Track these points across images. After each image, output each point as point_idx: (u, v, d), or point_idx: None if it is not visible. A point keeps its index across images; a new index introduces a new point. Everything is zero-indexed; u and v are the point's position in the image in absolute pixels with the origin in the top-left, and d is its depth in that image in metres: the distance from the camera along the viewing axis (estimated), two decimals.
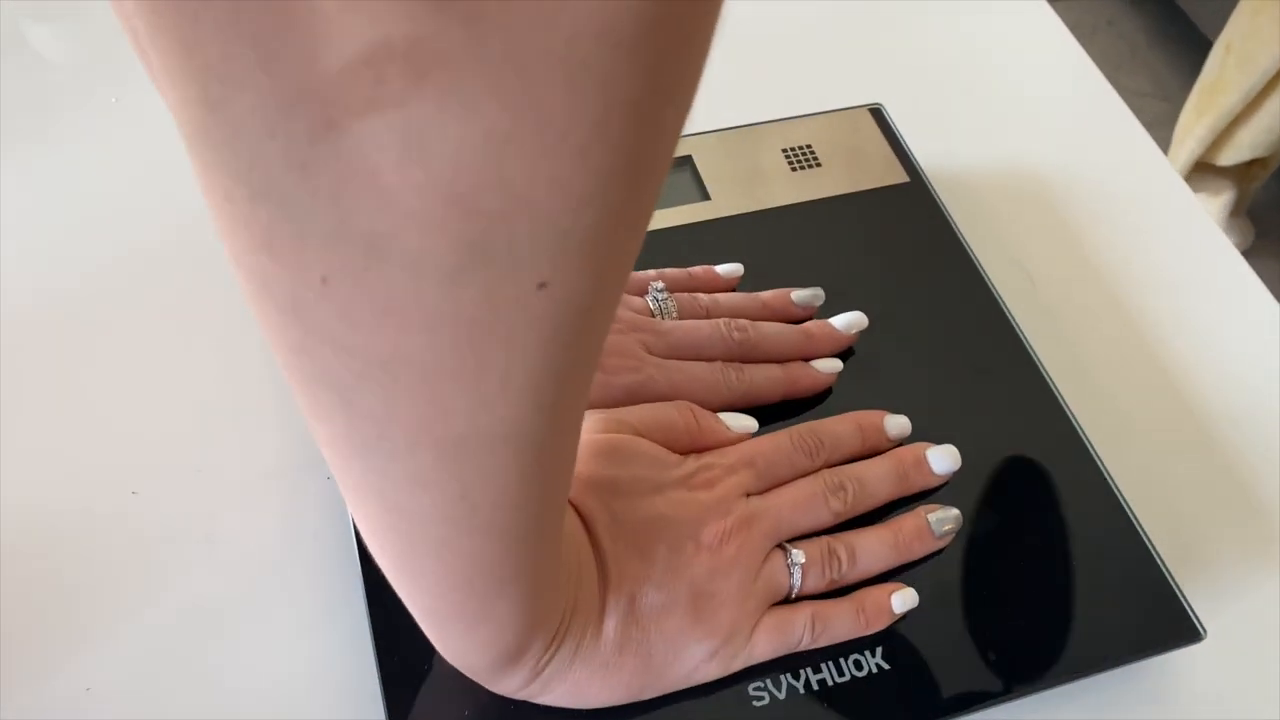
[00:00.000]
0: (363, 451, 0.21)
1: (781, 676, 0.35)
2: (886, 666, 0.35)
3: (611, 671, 0.32)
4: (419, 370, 0.19)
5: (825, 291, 0.44)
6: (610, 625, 0.32)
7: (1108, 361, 0.47)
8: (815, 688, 0.35)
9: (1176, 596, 0.37)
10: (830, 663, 0.35)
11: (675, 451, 0.36)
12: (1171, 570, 0.38)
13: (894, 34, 0.61)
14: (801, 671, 0.35)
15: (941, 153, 0.54)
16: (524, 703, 0.33)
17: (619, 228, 0.18)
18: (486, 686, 0.31)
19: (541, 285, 0.18)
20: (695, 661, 0.33)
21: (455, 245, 0.16)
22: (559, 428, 0.22)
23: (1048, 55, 0.60)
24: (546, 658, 0.31)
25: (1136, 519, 0.39)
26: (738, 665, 0.34)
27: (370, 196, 0.16)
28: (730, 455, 0.36)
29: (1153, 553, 0.38)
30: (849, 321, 0.42)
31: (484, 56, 0.14)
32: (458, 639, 0.28)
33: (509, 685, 0.31)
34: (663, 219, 0.46)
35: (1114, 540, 0.38)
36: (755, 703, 0.34)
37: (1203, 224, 0.53)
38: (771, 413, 0.40)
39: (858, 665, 0.35)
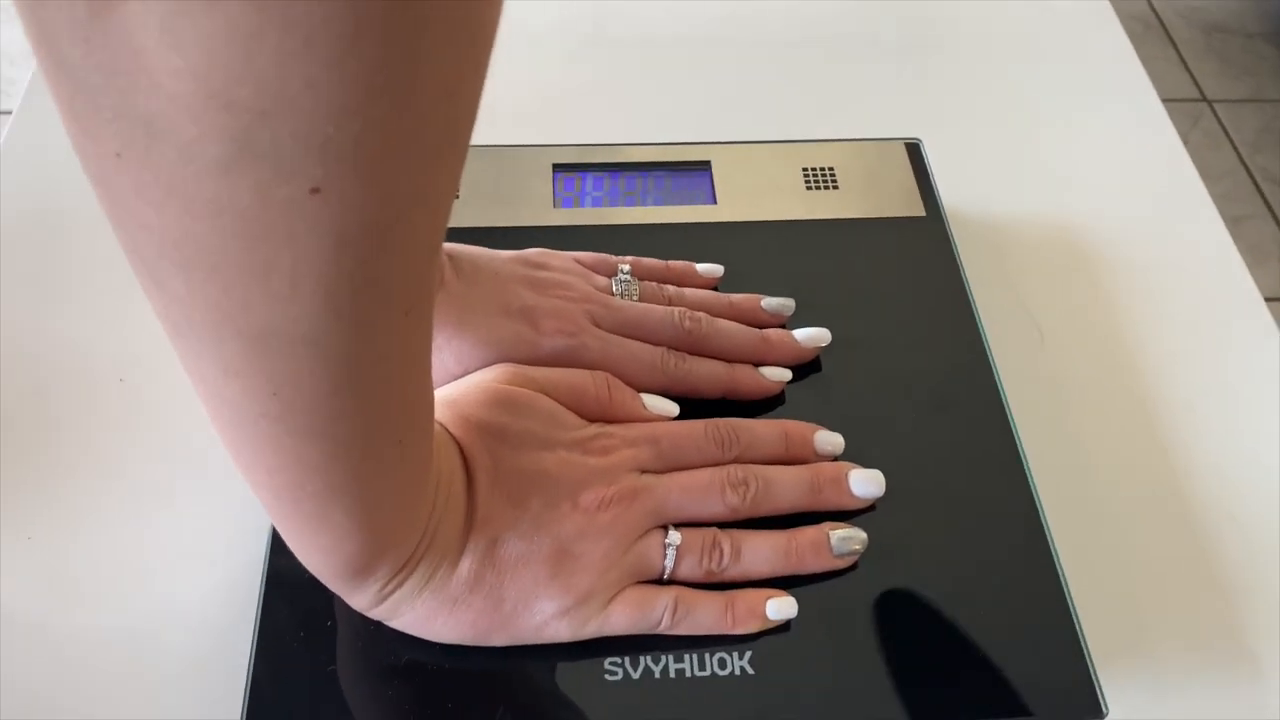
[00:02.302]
0: (181, 332, 0.23)
1: (641, 657, 0.35)
2: (750, 671, 0.34)
3: (460, 609, 0.32)
4: (210, 258, 0.20)
5: (807, 308, 0.44)
6: (466, 564, 0.32)
7: (1093, 431, 0.44)
8: (671, 675, 0.34)
9: (1086, 668, 0.35)
10: (694, 655, 0.35)
11: (582, 417, 0.37)
12: (1090, 643, 0.35)
13: (961, 74, 0.60)
14: (663, 657, 0.35)
15: (977, 196, 0.52)
16: (382, 625, 0.34)
17: (396, 148, 0.19)
18: (343, 599, 0.33)
19: (314, 190, 0.19)
20: (545, 617, 0.33)
21: (222, 136, 0.18)
22: (373, 345, 0.24)
23: (1131, 124, 0.58)
24: (395, 582, 0.31)
25: (1066, 584, 0.37)
26: (589, 631, 0.33)
27: (141, 77, 0.17)
28: (635, 429, 0.36)
29: (1074, 621, 0.36)
30: (811, 335, 0.42)
31: None
32: (301, 541, 0.29)
33: (359, 601, 0.32)
34: (662, 215, 0.47)
35: (1036, 601, 0.36)
36: (608, 676, 0.34)
37: (1260, 327, 0.49)
38: (712, 412, 0.40)
39: (721, 664, 0.35)
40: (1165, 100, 0.59)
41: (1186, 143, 0.57)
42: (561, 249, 0.44)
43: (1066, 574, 0.37)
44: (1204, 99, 1.66)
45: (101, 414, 0.43)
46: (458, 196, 0.47)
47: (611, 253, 0.44)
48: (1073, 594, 0.37)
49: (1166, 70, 1.69)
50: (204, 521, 0.40)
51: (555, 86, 0.58)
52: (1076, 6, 0.64)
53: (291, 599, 0.35)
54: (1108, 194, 0.54)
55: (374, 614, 0.33)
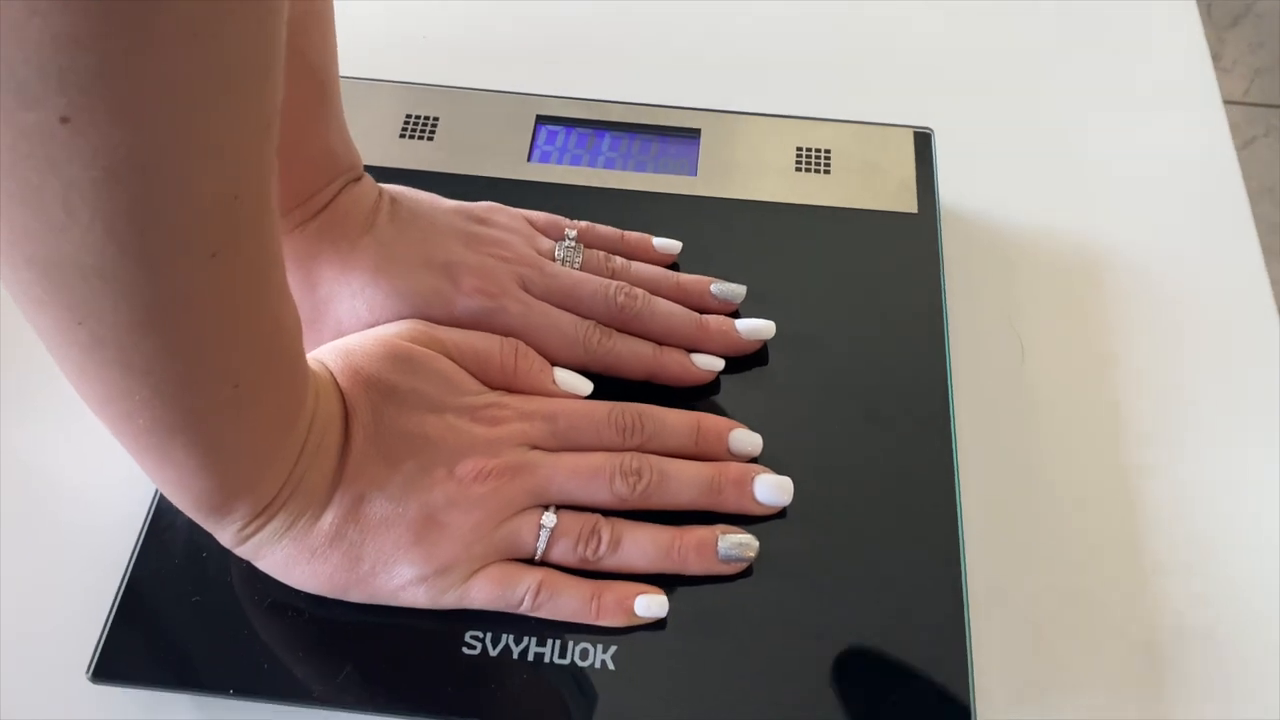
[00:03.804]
0: None
1: (504, 635, 0.34)
2: (612, 667, 0.33)
3: (318, 560, 0.32)
4: None
5: (767, 297, 0.42)
6: (329, 516, 0.32)
7: (1051, 466, 0.41)
8: (530, 658, 0.33)
9: (968, 700, 0.33)
10: (558, 641, 0.34)
11: (485, 384, 0.35)
12: (983, 683, 0.33)
13: (991, 63, 0.55)
14: (525, 638, 0.34)
15: (986, 197, 0.49)
16: (251, 566, 0.34)
17: (145, 86, 0.19)
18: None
19: (64, 119, 0.19)
20: (403, 581, 0.32)
21: None
22: (174, 284, 0.23)
23: (1181, 130, 0.53)
24: (255, 525, 0.31)
25: (969, 622, 0.34)
26: (448, 601, 0.33)
27: None
28: (533, 403, 0.35)
29: (967, 660, 0.33)
30: (753, 327, 0.39)
31: None
32: (152, 474, 0.29)
33: (223, 537, 0.32)
34: (637, 182, 0.45)
35: (930, 635, 0.34)
36: (466, 649, 0.33)
37: (1273, 381, 0.44)
38: (633, 394, 0.38)
39: (583, 654, 0.34)
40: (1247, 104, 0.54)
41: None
42: (527, 206, 0.42)
43: (976, 611, 0.35)
44: None
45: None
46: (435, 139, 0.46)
47: (578, 216, 0.43)
48: (975, 632, 0.34)
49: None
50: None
51: (551, 37, 0.56)
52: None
53: (177, 526, 0.35)
54: (1134, 208, 0.49)
55: (238, 552, 0.33)
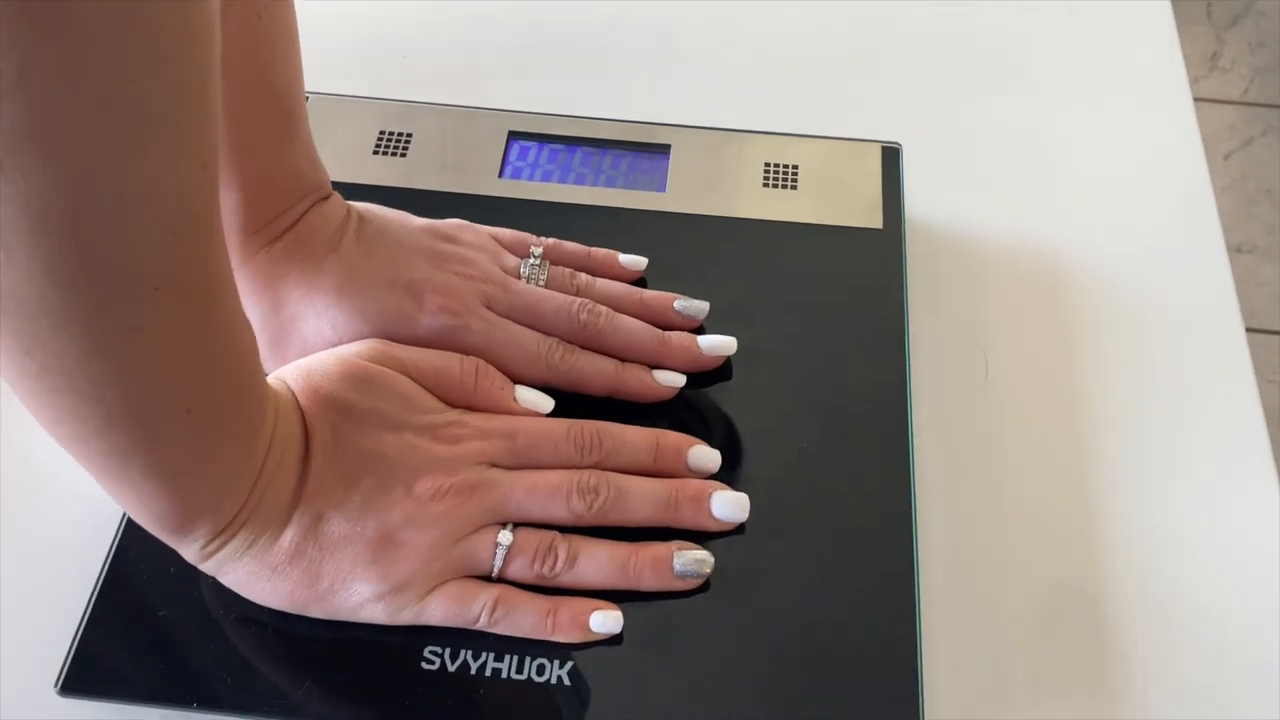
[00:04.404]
0: None
1: (462, 650, 0.34)
2: (567, 683, 0.34)
3: (278, 578, 0.33)
4: None
5: (731, 313, 0.42)
6: (288, 535, 0.33)
7: (1011, 482, 0.41)
8: (486, 673, 0.34)
9: (917, 693, 0.33)
10: (515, 656, 0.34)
11: (445, 402, 0.36)
12: (927, 678, 0.34)
13: (961, 75, 0.56)
14: (483, 653, 0.34)
15: (954, 210, 0.49)
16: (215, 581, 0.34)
17: (71, 131, 0.20)
18: None
19: None
20: (361, 599, 0.33)
21: None
22: (120, 317, 0.24)
23: (1150, 136, 0.53)
24: (217, 543, 0.32)
25: (920, 644, 0.35)
26: (406, 618, 0.33)
27: None
28: (492, 421, 0.36)
29: (918, 657, 0.34)
30: (714, 344, 0.40)
31: None
32: (112, 494, 0.30)
33: (186, 554, 0.33)
34: (607, 198, 0.46)
35: (881, 655, 0.34)
36: (424, 664, 0.34)
37: (1243, 391, 0.45)
38: (595, 410, 0.39)
39: (540, 670, 0.34)
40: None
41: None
42: (495, 223, 0.43)
43: (929, 627, 0.36)
44: None
45: None
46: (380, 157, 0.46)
47: (547, 232, 0.43)
48: (927, 647, 0.35)
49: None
50: None
51: (524, 58, 0.56)
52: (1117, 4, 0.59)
53: (147, 540, 0.36)
54: (1101, 216, 0.50)
55: (202, 568, 0.33)
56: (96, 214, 0.21)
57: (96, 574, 0.36)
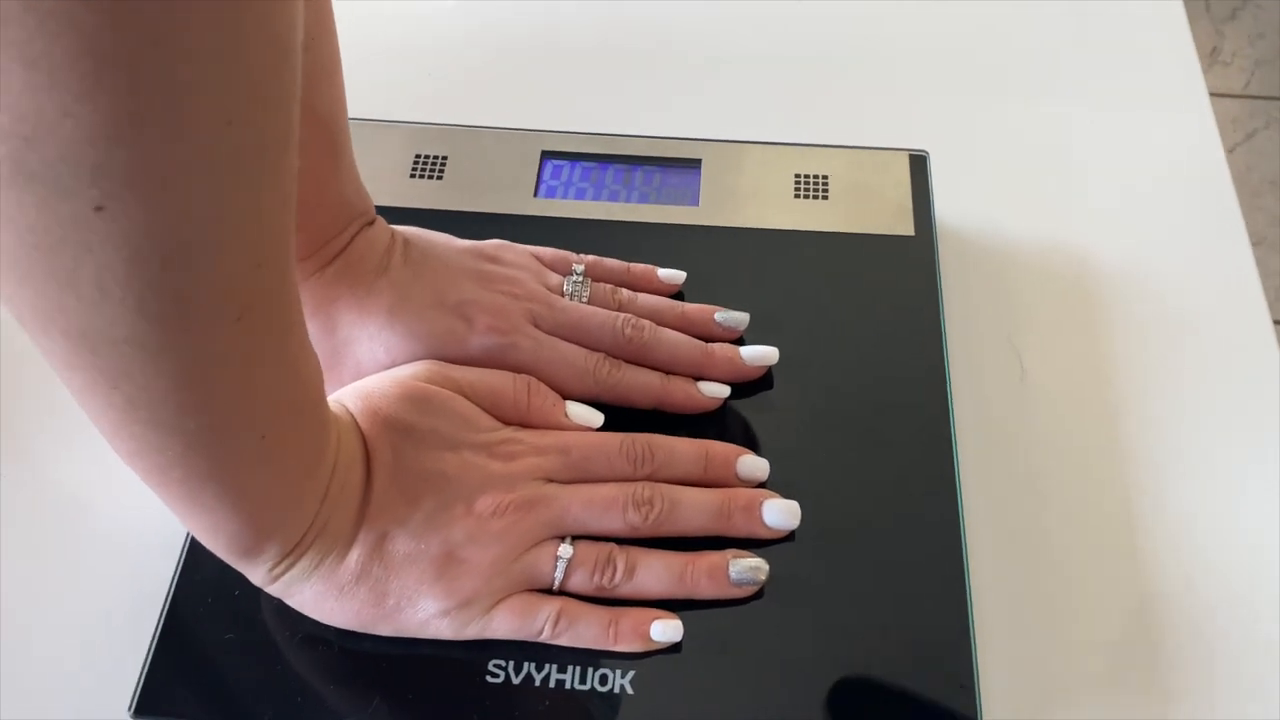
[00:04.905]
0: (25, 330, 0.24)
1: (525, 663, 0.35)
2: (630, 691, 0.35)
3: (345, 598, 0.34)
4: (18, 266, 0.22)
5: (770, 323, 0.43)
6: (354, 555, 0.33)
7: (1052, 483, 0.42)
8: (551, 685, 0.35)
9: (974, 700, 0.34)
10: (578, 667, 0.35)
11: (499, 420, 0.37)
12: (983, 682, 0.34)
13: (984, 83, 0.57)
14: (546, 665, 0.35)
15: (983, 216, 0.50)
16: (280, 601, 0.35)
17: (177, 172, 0.21)
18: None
19: (99, 208, 0.20)
20: (427, 615, 0.34)
21: (2, 161, 0.19)
22: (204, 348, 0.25)
23: (1167, 139, 0.54)
24: (285, 565, 0.33)
25: (974, 643, 0.35)
26: (470, 633, 0.34)
27: None
28: (547, 438, 0.37)
29: (974, 679, 0.35)
30: (757, 354, 0.41)
31: None
32: (184, 520, 0.31)
33: (254, 577, 0.33)
34: (641, 214, 0.46)
35: (937, 655, 0.35)
36: (489, 678, 0.35)
37: (1274, 381, 0.45)
38: (644, 423, 0.40)
39: (603, 680, 0.35)
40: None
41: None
42: (533, 241, 0.44)
43: (982, 630, 0.36)
44: None
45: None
46: (459, 177, 0.47)
47: (584, 249, 0.44)
48: (981, 652, 0.35)
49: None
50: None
51: (554, 73, 0.57)
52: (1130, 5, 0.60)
53: (210, 565, 0.37)
54: (1130, 226, 0.50)
55: (269, 591, 0.34)
56: (191, 250, 0.22)
57: (162, 599, 0.36)
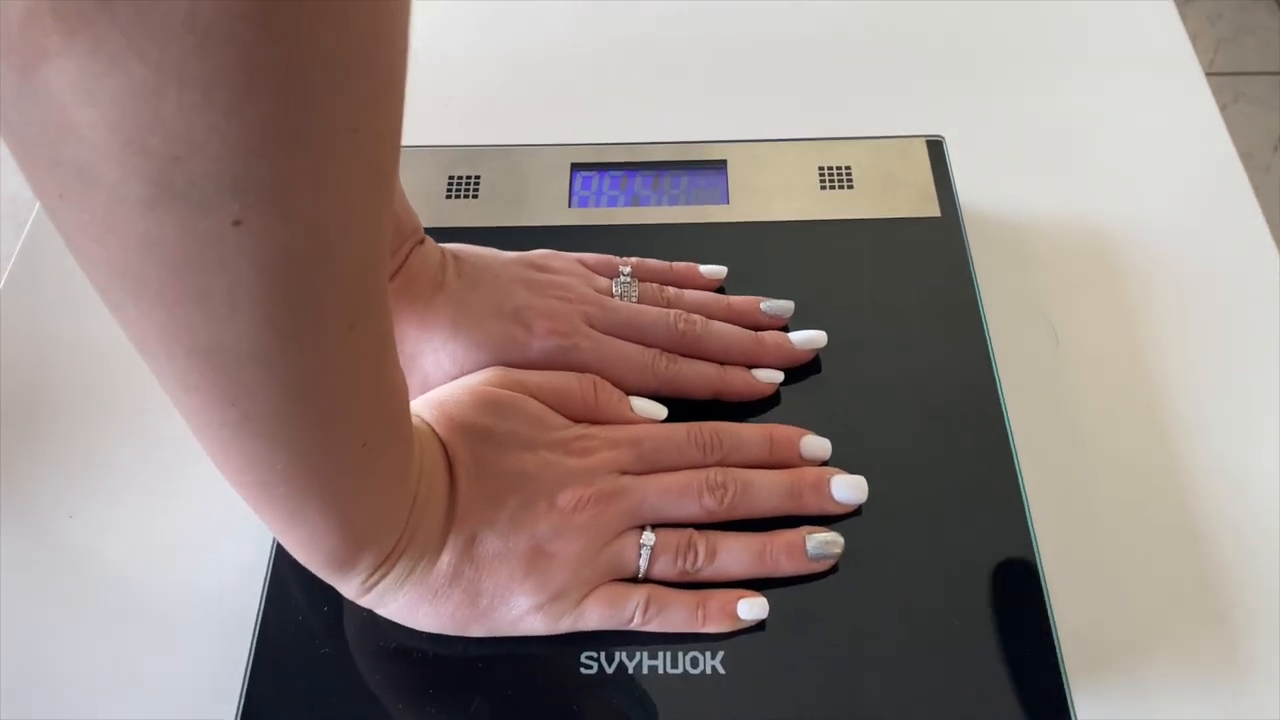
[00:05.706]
0: (141, 350, 0.25)
1: (617, 652, 0.36)
2: (722, 671, 0.35)
3: (440, 601, 0.34)
4: (150, 285, 0.22)
5: (813, 310, 0.44)
6: (446, 559, 0.34)
7: (1100, 444, 0.44)
8: (644, 671, 0.35)
9: (1061, 685, 0.35)
10: (668, 652, 0.36)
11: (569, 418, 0.38)
12: (1072, 660, 0.36)
13: (993, 68, 0.58)
14: (637, 653, 0.36)
15: (1002, 196, 0.52)
16: (371, 612, 0.36)
17: (310, 183, 0.21)
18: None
19: (237, 223, 0.21)
20: (520, 611, 0.35)
21: (143, 179, 0.20)
22: (320, 358, 0.25)
23: (1172, 116, 0.56)
24: (378, 575, 0.33)
25: (1049, 599, 0.36)
26: (564, 626, 0.35)
27: (67, 129, 0.19)
28: (617, 431, 0.38)
29: (1053, 637, 0.36)
30: (806, 338, 0.42)
31: (115, 19, 0.17)
32: (282, 535, 0.31)
33: (347, 590, 0.34)
34: (674, 215, 0.48)
35: (1016, 614, 0.36)
36: (583, 669, 0.36)
37: None
38: (703, 413, 0.41)
39: (694, 662, 0.36)
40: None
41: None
42: (572, 249, 0.45)
43: (1053, 588, 0.37)
44: None
45: (137, 400, 0.46)
46: (481, 196, 0.48)
47: (622, 253, 0.45)
48: (1056, 609, 0.36)
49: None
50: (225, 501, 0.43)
51: (575, 87, 0.59)
52: None
53: (297, 582, 0.38)
54: (1142, 194, 0.52)
55: (362, 602, 0.35)
56: (319, 257, 0.23)
57: (253, 619, 0.37)
